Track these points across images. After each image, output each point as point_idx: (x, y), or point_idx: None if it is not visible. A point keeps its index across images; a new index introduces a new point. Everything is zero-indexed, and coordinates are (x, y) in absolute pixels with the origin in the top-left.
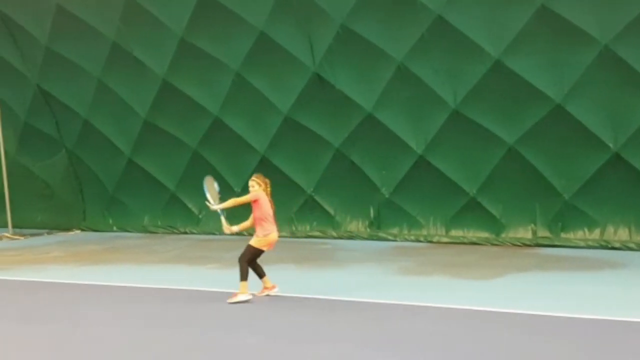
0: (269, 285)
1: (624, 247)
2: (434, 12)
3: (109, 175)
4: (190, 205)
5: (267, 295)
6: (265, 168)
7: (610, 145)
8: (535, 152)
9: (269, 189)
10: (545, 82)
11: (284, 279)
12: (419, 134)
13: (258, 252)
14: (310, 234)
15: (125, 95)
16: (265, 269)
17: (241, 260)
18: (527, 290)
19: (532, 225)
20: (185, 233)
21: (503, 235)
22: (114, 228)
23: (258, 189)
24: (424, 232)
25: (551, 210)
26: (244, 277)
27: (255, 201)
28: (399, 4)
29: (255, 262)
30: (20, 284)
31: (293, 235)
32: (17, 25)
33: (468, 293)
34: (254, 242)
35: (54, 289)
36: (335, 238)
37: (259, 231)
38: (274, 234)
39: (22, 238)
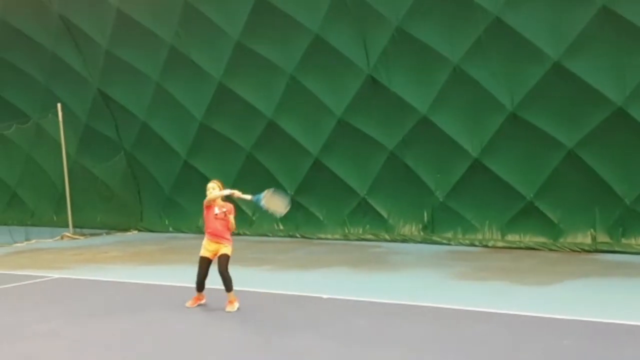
0: (202, 297)
1: None
2: (491, 14)
3: (166, 177)
4: (244, 207)
5: (199, 304)
6: (318, 171)
7: None
8: (595, 156)
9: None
10: (606, 84)
11: (337, 281)
12: (474, 137)
13: None
14: (362, 236)
15: (182, 98)
16: (319, 270)
17: (226, 272)
18: (590, 297)
19: (592, 230)
20: (239, 234)
21: (561, 240)
22: (170, 229)
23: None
24: (479, 236)
25: (611, 215)
26: (232, 286)
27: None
28: (456, 5)
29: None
30: (81, 282)
31: (345, 237)
32: (79, 29)
33: (528, 299)
34: (229, 250)
35: (114, 288)
36: (388, 241)
37: (229, 237)
38: None
39: (82, 238)
